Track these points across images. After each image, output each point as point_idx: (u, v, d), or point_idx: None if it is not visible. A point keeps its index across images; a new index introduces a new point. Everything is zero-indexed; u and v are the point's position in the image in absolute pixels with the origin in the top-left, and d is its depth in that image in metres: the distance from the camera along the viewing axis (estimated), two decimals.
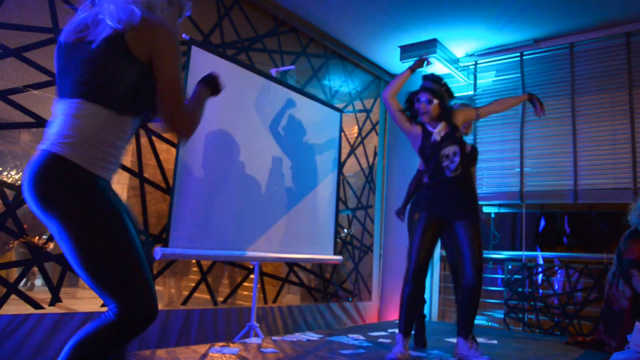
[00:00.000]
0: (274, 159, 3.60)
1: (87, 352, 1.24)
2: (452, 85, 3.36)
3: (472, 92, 5.13)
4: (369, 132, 5.37)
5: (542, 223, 5.25)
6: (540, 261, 4.82)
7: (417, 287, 2.67)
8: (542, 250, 5.08)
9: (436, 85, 2.76)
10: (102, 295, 1.28)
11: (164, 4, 1.44)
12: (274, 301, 4.12)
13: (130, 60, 1.30)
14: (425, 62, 2.89)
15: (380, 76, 5.48)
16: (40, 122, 2.81)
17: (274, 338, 3.17)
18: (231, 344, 2.82)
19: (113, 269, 1.26)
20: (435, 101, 2.70)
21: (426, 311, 3.40)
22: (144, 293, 1.28)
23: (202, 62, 3.01)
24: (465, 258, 2.65)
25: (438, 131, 2.70)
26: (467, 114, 2.82)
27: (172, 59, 1.32)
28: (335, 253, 4.13)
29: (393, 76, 5.57)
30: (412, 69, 2.84)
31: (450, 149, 2.67)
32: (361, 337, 3.37)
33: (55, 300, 2.79)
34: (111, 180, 1.37)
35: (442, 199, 2.66)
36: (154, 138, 3.29)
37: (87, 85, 1.29)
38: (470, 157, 3.07)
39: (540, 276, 4.51)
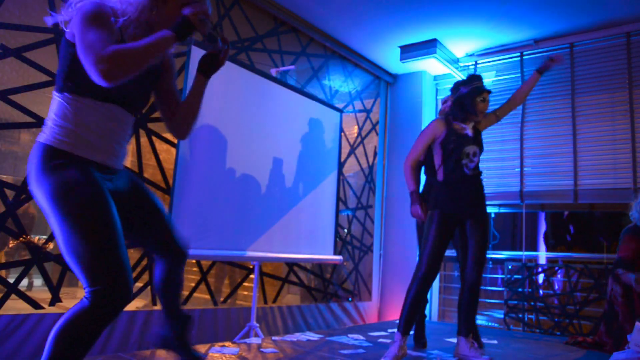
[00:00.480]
0: (274, 159, 3.60)
1: (67, 340, 1.26)
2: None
3: None
4: (369, 132, 5.37)
5: (544, 223, 5.25)
6: (543, 261, 4.82)
7: (427, 287, 2.62)
8: (548, 250, 5.08)
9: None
10: (78, 277, 1.30)
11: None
12: (274, 301, 4.12)
13: (69, 44, 1.41)
14: None
15: (380, 76, 5.47)
16: (40, 122, 2.80)
17: (274, 338, 3.18)
18: (231, 344, 2.82)
19: (84, 250, 1.28)
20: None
21: (426, 311, 3.40)
22: (114, 275, 1.28)
23: None
24: (468, 255, 2.67)
25: (470, 127, 2.73)
26: (488, 120, 2.85)
27: (81, 31, 1.32)
28: (335, 253, 4.13)
29: (393, 76, 5.57)
30: None
31: (472, 148, 2.70)
32: (361, 337, 3.37)
33: (55, 300, 2.79)
34: (108, 161, 1.45)
35: (459, 196, 2.66)
36: (154, 138, 3.29)
37: (56, 77, 1.45)
38: None
39: (540, 276, 4.51)
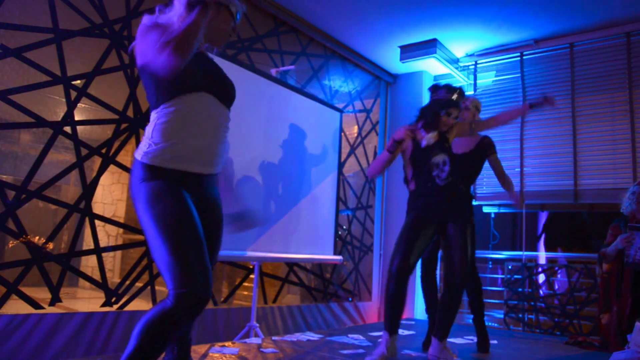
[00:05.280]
0: (274, 159, 3.61)
1: (150, 336, 1.36)
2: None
3: (472, 92, 5.13)
4: (369, 132, 5.37)
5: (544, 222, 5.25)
6: (543, 261, 4.82)
7: (401, 283, 2.53)
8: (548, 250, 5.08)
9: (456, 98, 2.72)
10: (164, 279, 1.41)
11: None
12: (274, 301, 4.12)
13: (142, 69, 1.58)
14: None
15: (380, 76, 5.47)
16: (40, 122, 2.80)
17: (274, 338, 3.18)
18: (231, 344, 2.82)
19: (166, 253, 1.40)
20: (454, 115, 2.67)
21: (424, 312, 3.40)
22: (194, 277, 1.38)
23: None
24: (452, 258, 2.58)
25: (428, 138, 2.62)
26: (461, 129, 2.77)
27: (142, 39, 1.51)
28: (335, 253, 4.13)
29: (393, 76, 5.57)
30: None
31: (439, 158, 2.62)
32: (361, 337, 3.37)
33: (55, 300, 2.79)
34: (195, 169, 1.54)
35: (433, 205, 2.60)
36: None
37: (150, 101, 1.59)
38: (477, 153, 3.05)
39: (540, 276, 4.51)
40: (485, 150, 3.07)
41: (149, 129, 1.55)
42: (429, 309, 3.09)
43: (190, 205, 1.49)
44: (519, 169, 4.75)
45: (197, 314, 1.40)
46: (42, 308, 2.73)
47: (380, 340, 2.65)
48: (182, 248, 1.40)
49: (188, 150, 1.52)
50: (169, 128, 1.51)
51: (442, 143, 2.67)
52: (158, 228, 1.42)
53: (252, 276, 3.78)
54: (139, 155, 1.52)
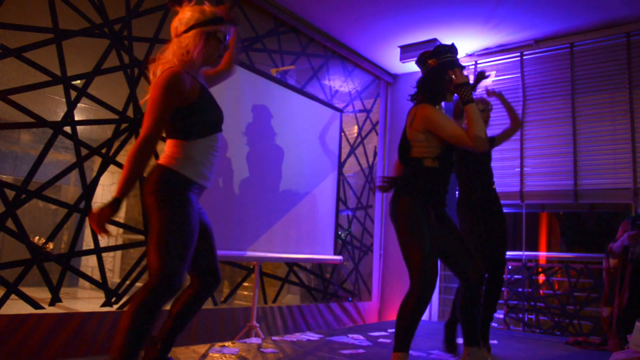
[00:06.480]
0: (274, 159, 3.60)
1: (132, 318, 1.62)
2: None
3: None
4: (369, 132, 5.37)
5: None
6: (543, 261, 4.81)
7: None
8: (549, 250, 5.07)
9: None
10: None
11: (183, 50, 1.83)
12: (274, 301, 4.12)
13: None
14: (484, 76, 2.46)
15: (380, 76, 5.47)
16: (40, 122, 2.80)
17: (274, 338, 3.18)
18: (231, 344, 2.82)
19: (155, 244, 1.67)
20: None
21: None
22: (170, 269, 1.65)
23: None
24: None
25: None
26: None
27: (149, 106, 1.74)
28: (335, 253, 4.13)
29: (393, 76, 5.57)
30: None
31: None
32: (361, 337, 3.37)
33: (55, 300, 2.79)
34: (203, 180, 1.85)
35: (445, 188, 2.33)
36: None
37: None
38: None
39: (540, 276, 4.51)
40: None
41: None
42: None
43: (188, 212, 1.78)
44: (519, 169, 4.75)
45: (164, 299, 1.67)
46: (42, 308, 2.73)
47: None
48: (169, 246, 1.69)
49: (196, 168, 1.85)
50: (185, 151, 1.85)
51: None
52: (156, 224, 1.73)
53: (252, 276, 3.78)
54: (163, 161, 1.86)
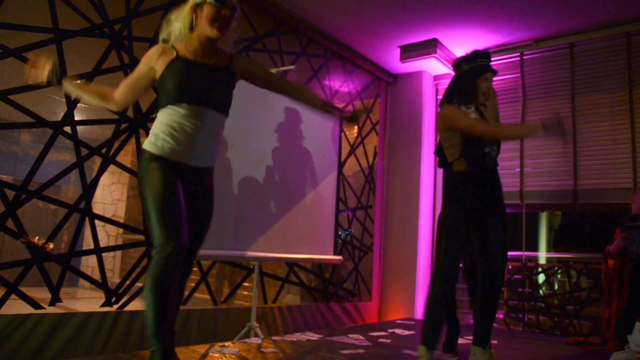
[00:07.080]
0: (274, 159, 3.60)
1: (151, 293, 1.79)
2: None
3: None
4: (369, 132, 5.37)
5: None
6: (543, 261, 4.82)
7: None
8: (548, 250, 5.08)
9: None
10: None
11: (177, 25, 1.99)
12: (274, 301, 4.12)
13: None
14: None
15: (380, 76, 5.47)
16: (40, 122, 2.80)
17: (274, 338, 3.18)
18: (231, 344, 2.82)
19: (148, 216, 1.76)
20: None
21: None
22: (166, 236, 1.71)
23: None
24: (493, 256, 2.33)
25: (474, 111, 2.40)
26: (491, 109, 2.61)
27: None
28: (335, 253, 4.13)
29: (393, 76, 5.57)
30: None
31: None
32: (361, 337, 3.37)
33: (55, 300, 2.79)
34: (177, 157, 1.81)
35: (481, 191, 2.32)
36: None
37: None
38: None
39: (540, 276, 4.51)
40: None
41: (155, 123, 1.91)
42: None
43: (166, 183, 1.80)
44: (519, 169, 4.75)
45: (170, 265, 1.73)
46: (42, 308, 2.73)
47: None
48: (159, 215, 1.74)
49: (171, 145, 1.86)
50: (163, 125, 1.89)
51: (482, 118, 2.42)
52: (142, 197, 1.83)
53: (252, 276, 3.78)
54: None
